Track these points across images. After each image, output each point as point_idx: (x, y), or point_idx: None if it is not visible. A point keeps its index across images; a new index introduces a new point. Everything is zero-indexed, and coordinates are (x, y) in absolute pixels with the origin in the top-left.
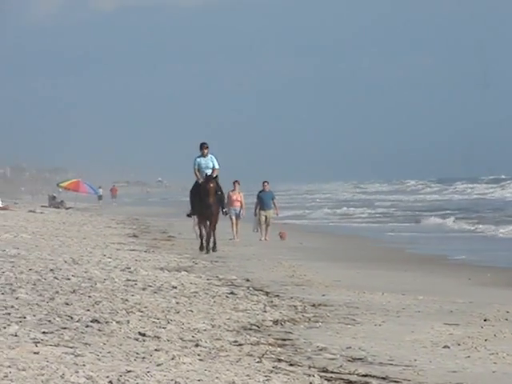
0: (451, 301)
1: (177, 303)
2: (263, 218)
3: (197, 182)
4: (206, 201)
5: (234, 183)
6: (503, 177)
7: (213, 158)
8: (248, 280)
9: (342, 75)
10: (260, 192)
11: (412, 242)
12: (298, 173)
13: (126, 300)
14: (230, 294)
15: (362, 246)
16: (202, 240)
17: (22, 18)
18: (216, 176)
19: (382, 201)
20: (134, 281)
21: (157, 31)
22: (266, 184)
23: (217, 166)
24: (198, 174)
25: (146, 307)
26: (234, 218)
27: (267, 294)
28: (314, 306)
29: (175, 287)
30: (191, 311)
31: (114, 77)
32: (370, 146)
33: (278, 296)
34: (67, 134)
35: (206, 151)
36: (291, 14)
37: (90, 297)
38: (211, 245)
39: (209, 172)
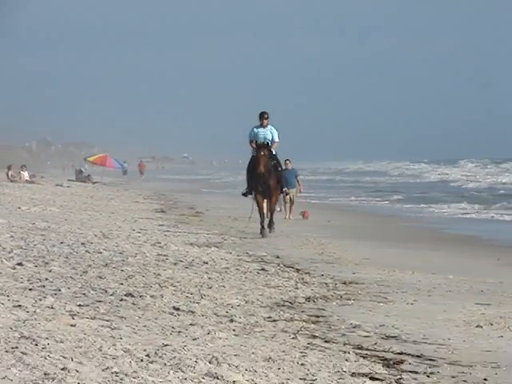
0: (481, 281)
1: (209, 278)
2: (287, 197)
3: (253, 157)
4: (257, 170)
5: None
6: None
7: (273, 129)
8: (278, 257)
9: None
10: (283, 170)
11: (439, 222)
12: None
13: (159, 274)
14: (260, 270)
15: (389, 225)
16: (262, 220)
17: None
18: (275, 153)
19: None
20: (164, 255)
21: (184, 7)
22: (288, 162)
23: (277, 139)
24: (254, 145)
25: (178, 282)
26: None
27: (298, 270)
28: (344, 283)
29: (206, 263)
30: (223, 286)
31: (141, 52)
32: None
33: (308, 273)
34: (93, 109)
35: (266, 122)
36: None
37: (122, 271)
38: (271, 225)
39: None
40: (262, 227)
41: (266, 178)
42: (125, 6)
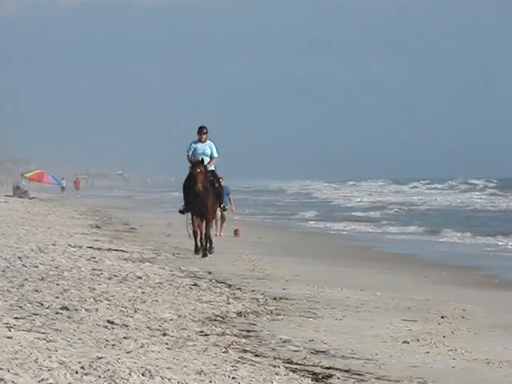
0: (408, 298)
1: (142, 293)
2: (218, 214)
3: (190, 173)
4: (194, 189)
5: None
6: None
7: (212, 144)
8: (210, 272)
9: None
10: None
11: (369, 240)
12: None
13: (94, 289)
14: (193, 285)
15: (319, 242)
16: (195, 240)
17: None
18: (212, 169)
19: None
20: (99, 270)
21: (119, 29)
22: (221, 180)
23: (215, 155)
24: (192, 159)
25: (112, 296)
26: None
27: (229, 286)
28: (275, 299)
29: (140, 277)
30: (157, 301)
31: (78, 69)
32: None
33: (239, 289)
34: (30, 126)
35: (204, 136)
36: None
37: (58, 284)
38: (208, 245)
39: (206, 160)
40: (197, 247)
41: (204, 198)
42: (58, 27)
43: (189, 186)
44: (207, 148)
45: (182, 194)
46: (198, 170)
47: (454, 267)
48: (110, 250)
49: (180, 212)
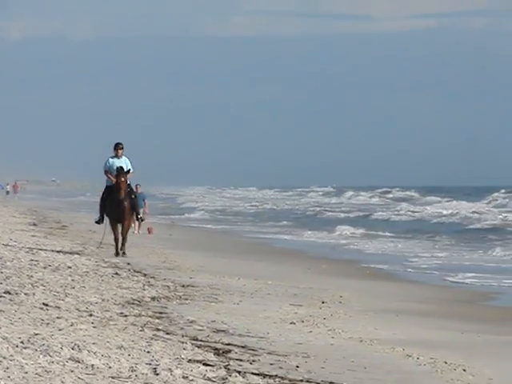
0: (295, 286)
1: (72, 280)
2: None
3: (107, 186)
4: (117, 196)
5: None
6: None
7: (127, 160)
8: (129, 264)
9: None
10: (136, 197)
11: (264, 238)
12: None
13: (31, 276)
14: (115, 274)
15: (221, 239)
16: (116, 244)
17: None
18: (129, 182)
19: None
20: (36, 261)
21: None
22: (138, 186)
23: (131, 169)
24: (110, 175)
25: (47, 283)
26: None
27: (145, 275)
28: (183, 286)
29: (70, 267)
30: (84, 287)
31: (19, 92)
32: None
33: (153, 277)
34: None
35: (120, 152)
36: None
37: (1, 272)
38: (123, 248)
39: None
40: (117, 251)
41: (124, 205)
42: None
43: (110, 195)
44: (123, 163)
45: (96, 202)
46: (123, 179)
47: (334, 260)
48: (45, 243)
49: (96, 222)
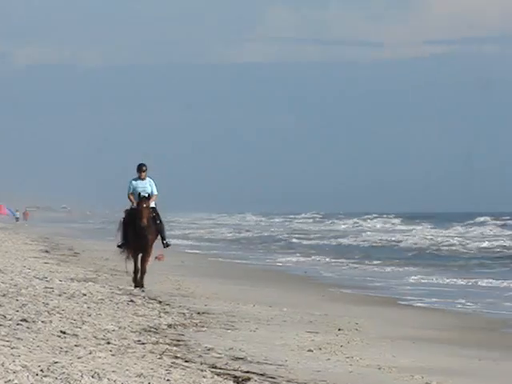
0: (310, 313)
1: (88, 308)
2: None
3: (131, 209)
4: (140, 224)
5: None
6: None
7: (151, 182)
8: (143, 291)
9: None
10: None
11: (277, 265)
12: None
13: (47, 304)
14: (130, 301)
15: (233, 266)
16: (135, 275)
17: None
18: (153, 206)
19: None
20: (51, 288)
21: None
22: None
23: (155, 192)
24: (132, 198)
25: (63, 310)
26: None
27: (160, 302)
28: (199, 313)
29: (85, 294)
30: (100, 314)
31: (24, 117)
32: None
33: (168, 305)
34: None
35: (144, 174)
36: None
37: (17, 300)
38: (141, 281)
39: None
40: (135, 283)
41: (147, 233)
42: None
43: (133, 221)
44: (147, 185)
45: (118, 229)
46: (144, 206)
47: (348, 287)
48: (58, 270)
49: (118, 247)
